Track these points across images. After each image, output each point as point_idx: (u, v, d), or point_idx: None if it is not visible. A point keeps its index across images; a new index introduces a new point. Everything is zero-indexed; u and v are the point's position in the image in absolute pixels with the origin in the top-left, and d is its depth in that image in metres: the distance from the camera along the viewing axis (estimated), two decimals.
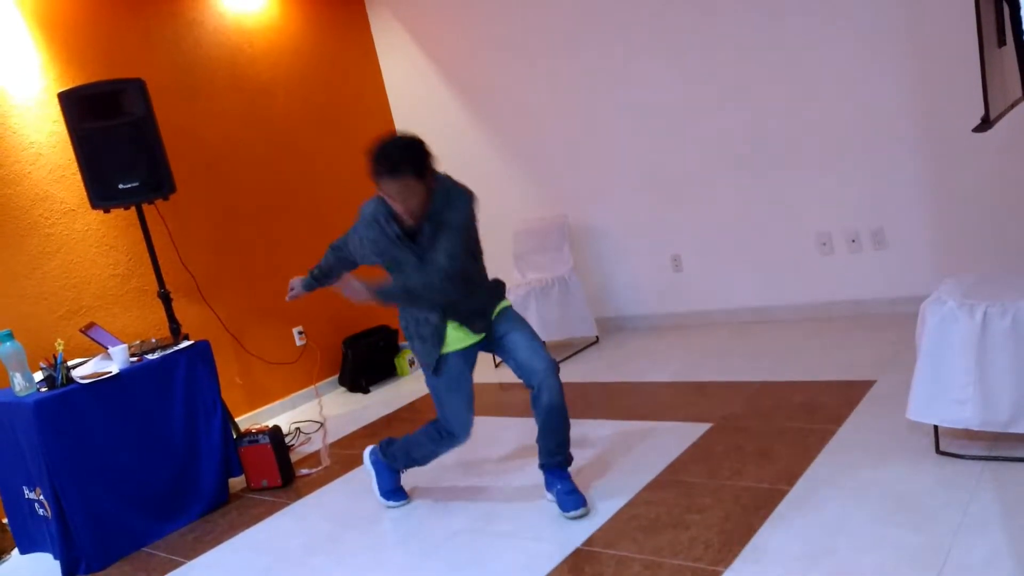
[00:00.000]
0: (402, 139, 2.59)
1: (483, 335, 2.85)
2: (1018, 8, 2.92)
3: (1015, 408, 2.41)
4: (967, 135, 3.91)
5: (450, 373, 2.83)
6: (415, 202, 2.57)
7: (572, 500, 2.75)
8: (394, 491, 3.19)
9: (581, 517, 2.73)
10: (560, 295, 4.77)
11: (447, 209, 2.63)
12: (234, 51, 4.97)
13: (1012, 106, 3.04)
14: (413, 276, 2.67)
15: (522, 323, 2.87)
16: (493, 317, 2.86)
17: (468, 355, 2.87)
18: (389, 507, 3.17)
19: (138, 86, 3.86)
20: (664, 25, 4.65)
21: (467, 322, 2.80)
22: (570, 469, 2.89)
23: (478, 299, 2.83)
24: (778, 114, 4.40)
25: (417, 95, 5.81)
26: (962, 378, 2.48)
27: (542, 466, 2.86)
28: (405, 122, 5.94)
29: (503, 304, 2.91)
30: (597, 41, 4.91)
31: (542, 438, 2.83)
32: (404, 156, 2.52)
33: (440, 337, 2.80)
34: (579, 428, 3.61)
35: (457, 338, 2.82)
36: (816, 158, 4.35)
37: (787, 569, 2.17)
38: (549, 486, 2.86)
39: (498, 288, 2.94)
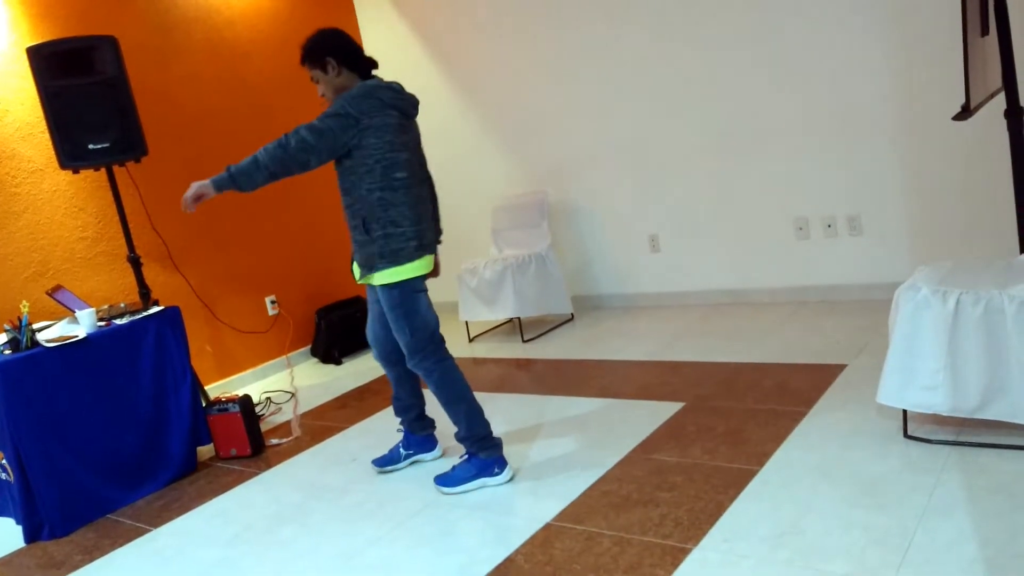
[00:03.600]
0: (314, 32, 2.81)
1: (363, 280, 2.90)
2: None
3: (983, 395, 2.44)
4: (945, 124, 3.94)
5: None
6: (321, 89, 2.82)
7: (444, 473, 2.97)
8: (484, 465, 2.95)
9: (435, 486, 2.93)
10: (537, 272, 4.76)
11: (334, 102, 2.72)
12: (211, 12, 4.86)
13: (992, 95, 3.06)
14: None
15: (390, 318, 2.86)
16: (370, 282, 2.86)
17: (369, 289, 3.04)
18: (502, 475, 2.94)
19: (111, 44, 3.75)
20: (648, 6, 4.61)
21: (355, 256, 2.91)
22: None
23: (352, 236, 2.85)
24: (759, 98, 4.40)
25: (398, 66, 5.73)
26: (933, 364, 2.51)
27: None
28: None
29: (378, 280, 2.81)
30: (581, 19, 4.86)
31: None
32: (304, 47, 2.80)
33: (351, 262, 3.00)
34: (552, 405, 3.61)
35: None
36: (795, 143, 4.36)
37: (755, 548, 2.19)
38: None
39: (371, 248, 2.78)
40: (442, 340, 2.91)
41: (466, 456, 2.94)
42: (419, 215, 2.80)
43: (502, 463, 2.91)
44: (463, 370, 4.44)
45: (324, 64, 2.78)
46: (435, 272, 2.99)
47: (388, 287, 2.80)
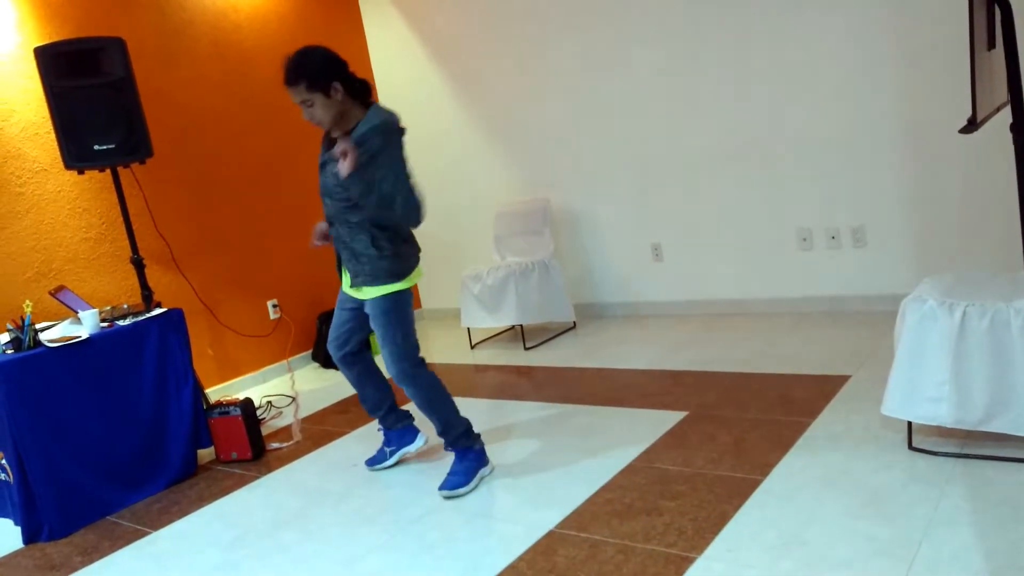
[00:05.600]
0: (301, 49, 2.68)
1: (352, 289, 2.94)
2: (1010, 12, 2.93)
3: (988, 407, 2.43)
4: (950, 136, 3.94)
5: (339, 297, 3.06)
6: (313, 113, 2.67)
7: (447, 479, 2.92)
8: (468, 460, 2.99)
9: (448, 498, 2.88)
10: (540, 279, 4.76)
11: (376, 136, 2.65)
12: (218, 16, 4.87)
13: (998, 109, 3.07)
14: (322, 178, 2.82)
15: (377, 326, 2.85)
16: (359, 294, 2.89)
17: (345, 295, 3.02)
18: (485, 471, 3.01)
19: (118, 45, 3.76)
20: (654, 15, 4.62)
21: (344, 265, 2.95)
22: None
23: (352, 248, 2.82)
24: (764, 109, 4.41)
25: (403, 72, 5.74)
26: (938, 376, 2.50)
27: None
28: (390, 98, 5.87)
29: (371, 294, 2.84)
30: (588, 27, 4.87)
31: None
32: (291, 65, 2.65)
33: (339, 268, 3.03)
34: (554, 413, 3.60)
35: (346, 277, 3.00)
36: (800, 154, 4.37)
37: (759, 558, 2.18)
38: None
39: (381, 264, 2.80)
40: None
41: (458, 455, 2.95)
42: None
43: (482, 444, 3.02)
44: (464, 377, 4.44)
45: (328, 88, 2.64)
46: None
47: (388, 295, 2.83)
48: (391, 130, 2.67)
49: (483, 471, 2.98)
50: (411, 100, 5.76)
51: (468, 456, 2.95)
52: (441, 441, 3.34)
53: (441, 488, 2.89)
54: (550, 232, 4.97)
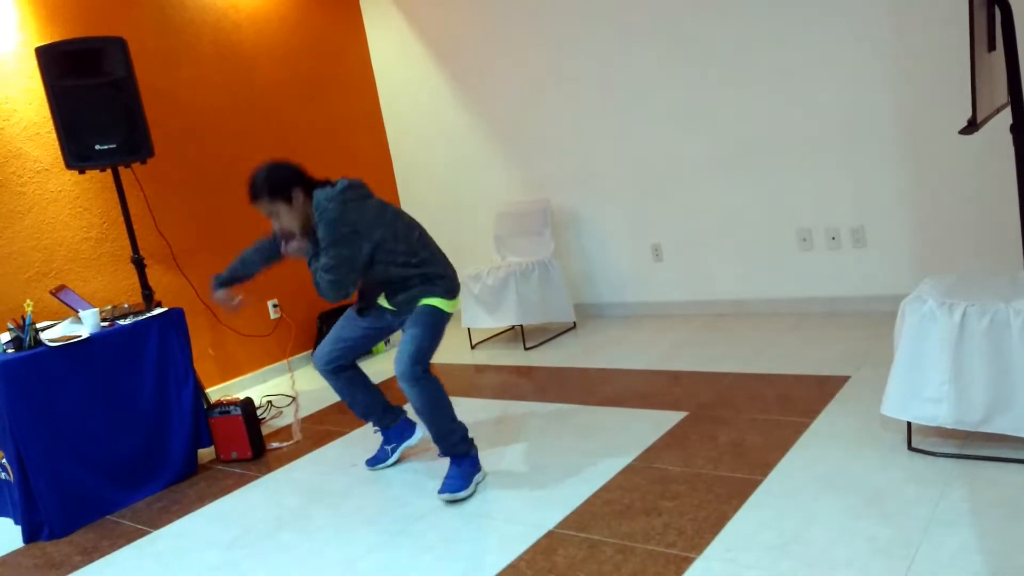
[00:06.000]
0: (260, 168, 2.85)
1: (365, 311, 3.08)
2: (1010, 13, 2.94)
3: (988, 408, 2.44)
4: (950, 137, 3.95)
5: (344, 316, 3.17)
6: (281, 222, 2.86)
7: (445, 484, 2.90)
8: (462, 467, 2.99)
9: (449, 502, 2.86)
10: (540, 279, 4.76)
11: (319, 227, 2.80)
12: (219, 16, 4.87)
13: (998, 110, 3.07)
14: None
15: (414, 325, 2.92)
16: (399, 308, 3.01)
17: (351, 317, 3.14)
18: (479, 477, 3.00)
19: (119, 45, 3.76)
20: (656, 16, 4.63)
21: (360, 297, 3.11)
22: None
23: (374, 288, 3.02)
24: (764, 109, 4.41)
25: (404, 72, 5.75)
26: (938, 376, 2.50)
27: None
28: (391, 99, 5.88)
29: (421, 302, 2.97)
30: (588, 30, 4.88)
31: None
32: (252, 184, 2.83)
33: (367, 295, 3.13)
34: (554, 413, 3.61)
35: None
36: (800, 154, 4.37)
37: (759, 558, 2.18)
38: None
39: (407, 287, 2.98)
40: None
41: (454, 461, 2.94)
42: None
43: (476, 450, 3.02)
44: (464, 377, 4.44)
45: (290, 196, 2.83)
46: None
47: (439, 309, 2.97)
48: (332, 218, 2.78)
49: (477, 477, 2.97)
50: (412, 100, 5.76)
51: (464, 463, 2.94)
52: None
53: (441, 492, 2.88)
54: (550, 232, 4.97)
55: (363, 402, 3.18)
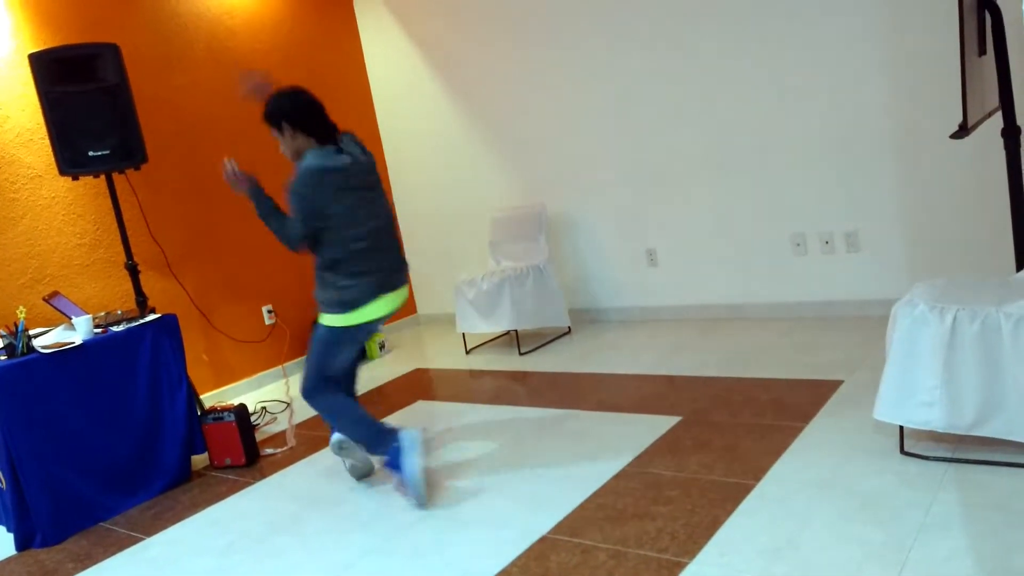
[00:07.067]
0: (275, 92, 2.96)
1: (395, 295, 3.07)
2: (1000, 19, 2.95)
3: (980, 412, 2.44)
4: (942, 141, 3.96)
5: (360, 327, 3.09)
6: (281, 148, 2.96)
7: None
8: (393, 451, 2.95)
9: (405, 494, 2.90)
10: (534, 284, 4.76)
11: (291, 182, 2.85)
12: (213, 22, 4.88)
13: (989, 115, 3.08)
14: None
15: (312, 346, 2.99)
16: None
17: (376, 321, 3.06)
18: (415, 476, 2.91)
19: (113, 51, 3.76)
20: (648, 20, 4.64)
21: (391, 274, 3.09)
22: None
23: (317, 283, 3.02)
24: (758, 114, 4.42)
25: (399, 77, 5.75)
26: (930, 380, 2.51)
27: None
28: (385, 104, 5.88)
29: (322, 318, 2.99)
30: (582, 35, 4.89)
31: None
32: (264, 108, 2.95)
33: (371, 293, 3.07)
34: (549, 418, 3.61)
35: None
36: (793, 159, 4.38)
37: (751, 562, 2.18)
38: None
39: (326, 295, 2.96)
40: None
41: (387, 463, 2.93)
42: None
43: (399, 439, 2.91)
44: (459, 382, 4.44)
45: (280, 128, 2.92)
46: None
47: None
48: (300, 173, 2.84)
49: (408, 446, 2.88)
50: (406, 105, 5.77)
51: (396, 459, 2.88)
52: (434, 439, 3.38)
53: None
54: (545, 237, 4.97)
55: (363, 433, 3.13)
